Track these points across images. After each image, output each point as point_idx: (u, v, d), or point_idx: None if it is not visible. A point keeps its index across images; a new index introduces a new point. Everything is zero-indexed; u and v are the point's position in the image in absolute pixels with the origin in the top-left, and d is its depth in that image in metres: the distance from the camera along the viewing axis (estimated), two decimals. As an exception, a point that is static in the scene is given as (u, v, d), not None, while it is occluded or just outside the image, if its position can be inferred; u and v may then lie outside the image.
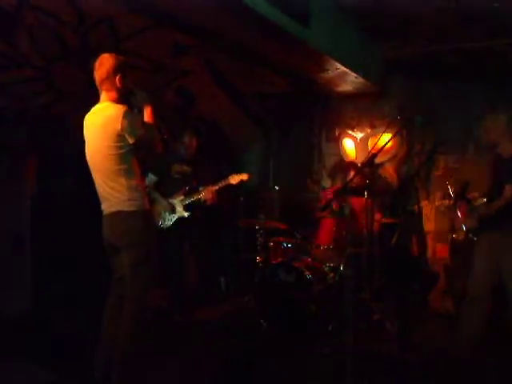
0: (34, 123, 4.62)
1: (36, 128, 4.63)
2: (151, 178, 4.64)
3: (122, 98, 2.95)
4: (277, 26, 3.86)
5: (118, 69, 2.89)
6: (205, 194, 4.54)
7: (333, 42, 4.67)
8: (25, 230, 4.63)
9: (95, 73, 2.93)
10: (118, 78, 2.89)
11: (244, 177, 4.54)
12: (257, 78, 5.39)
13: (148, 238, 2.93)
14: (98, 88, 2.96)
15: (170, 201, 4.63)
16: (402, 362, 3.52)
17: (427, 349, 3.88)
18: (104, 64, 2.89)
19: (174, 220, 4.61)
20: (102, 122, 2.87)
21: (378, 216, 4.83)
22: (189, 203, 4.61)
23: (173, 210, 4.61)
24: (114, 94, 2.93)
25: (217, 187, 4.54)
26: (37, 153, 4.70)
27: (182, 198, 4.62)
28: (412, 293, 4.98)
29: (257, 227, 4.93)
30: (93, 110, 2.99)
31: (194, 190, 4.63)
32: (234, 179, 4.53)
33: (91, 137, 2.96)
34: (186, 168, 4.79)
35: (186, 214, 4.59)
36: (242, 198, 5.39)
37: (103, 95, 2.95)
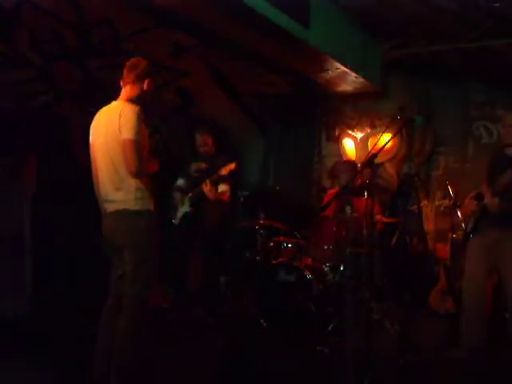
0: (33, 123, 4.62)
1: (36, 128, 4.63)
2: (180, 181, 4.87)
3: (140, 101, 2.96)
4: (277, 26, 3.86)
5: (148, 73, 2.98)
6: (202, 187, 4.60)
7: (333, 41, 4.67)
8: (25, 230, 4.63)
9: (126, 70, 2.97)
10: (147, 81, 2.96)
11: (232, 166, 4.56)
12: (257, 77, 5.39)
13: (151, 238, 2.93)
14: (122, 83, 2.99)
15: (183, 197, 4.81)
16: (402, 362, 3.52)
17: (427, 349, 3.88)
18: (138, 65, 2.96)
19: (180, 216, 4.75)
20: (115, 119, 2.84)
21: (379, 217, 4.83)
22: (192, 198, 4.71)
23: (182, 206, 4.76)
24: (135, 94, 2.96)
25: (210, 180, 4.59)
26: (37, 153, 4.70)
27: (190, 194, 4.75)
28: (412, 293, 4.97)
29: (257, 227, 4.93)
30: (107, 107, 2.99)
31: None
32: (225, 170, 4.56)
33: (103, 134, 2.94)
34: (202, 165, 4.82)
35: (188, 209, 4.71)
36: (241, 198, 5.38)
37: (124, 92, 2.98)
